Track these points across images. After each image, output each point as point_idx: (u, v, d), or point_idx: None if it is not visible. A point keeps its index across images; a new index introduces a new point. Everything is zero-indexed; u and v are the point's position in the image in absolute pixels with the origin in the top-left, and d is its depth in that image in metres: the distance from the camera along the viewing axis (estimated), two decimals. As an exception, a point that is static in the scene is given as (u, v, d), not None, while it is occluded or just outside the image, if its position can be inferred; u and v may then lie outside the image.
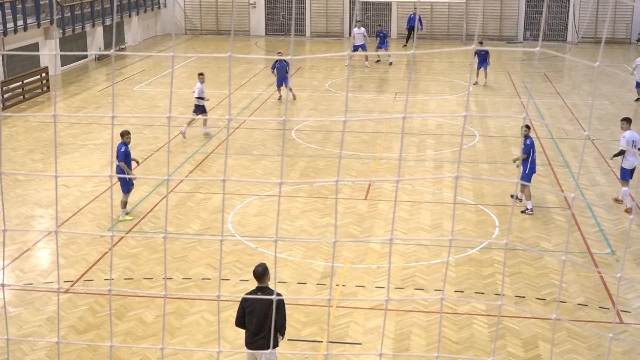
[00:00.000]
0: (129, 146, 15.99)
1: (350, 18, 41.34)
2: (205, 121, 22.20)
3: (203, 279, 13.39)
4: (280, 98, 26.58)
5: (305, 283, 13.32)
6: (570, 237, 15.38)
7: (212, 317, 12.11)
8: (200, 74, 22.18)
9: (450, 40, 40.15)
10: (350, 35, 39.14)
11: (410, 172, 19.28)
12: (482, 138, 22.17)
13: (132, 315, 12.18)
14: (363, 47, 32.38)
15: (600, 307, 12.51)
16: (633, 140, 16.83)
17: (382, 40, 33.45)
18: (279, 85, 26.50)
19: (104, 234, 15.05)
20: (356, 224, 15.91)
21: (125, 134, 15.92)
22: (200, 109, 21.68)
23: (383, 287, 13.05)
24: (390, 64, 33.61)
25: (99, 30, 34.55)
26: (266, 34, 42.46)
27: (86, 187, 17.85)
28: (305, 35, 42.08)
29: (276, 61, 26.14)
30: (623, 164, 16.83)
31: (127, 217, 16.03)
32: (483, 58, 28.82)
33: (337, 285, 13.33)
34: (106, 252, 14.38)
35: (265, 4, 42.23)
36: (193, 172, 18.99)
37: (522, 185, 16.39)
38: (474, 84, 28.92)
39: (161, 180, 17.89)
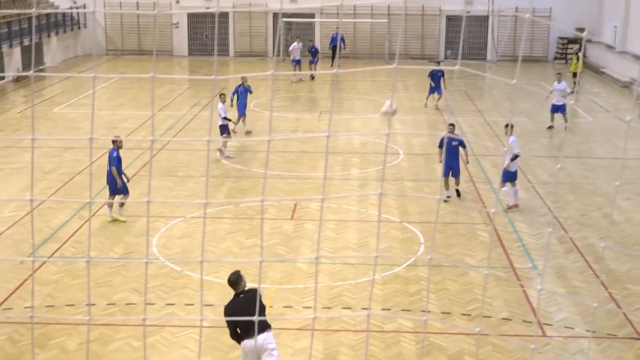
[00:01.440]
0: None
1: (274, 37, 41.41)
2: (225, 143, 21.93)
3: (127, 304, 13.13)
4: (247, 132, 24.63)
5: (232, 305, 13.17)
6: (493, 252, 15.65)
7: (138, 343, 11.86)
8: (222, 94, 22.38)
9: (373, 59, 40.59)
10: (277, 53, 39.17)
11: (335, 191, 19.34)
12: (406, 156, 22.40)
13: (53, 344, 11.85)
14: (299, 62, 32.98)
15: (524, 321, 12.72)
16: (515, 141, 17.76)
17: (313, 56, 33.95)
18: (242, 114, 24.38)
19: (24, 259, 14.64)
20: (283, 244, 15.85)
21: (116, 141, 16.75)
22: (224, 129, 21.65)
23: (311, 307, 13.01)
24: (312, 78, 34.03)
25: (17, 50, 33.78)
26: (189, 53, 42.22)
27: (4, 212, 17.34)
28: (229, 54, 41.99)
29: (238, 86, 24.42)
30: (512, 167, 17.49)
31: (122, 218, 16.69)
32: (439, 81, 28.22)
33: (264, 306, 13.22)
34: (26, 279, 13.97)
35: (189, 23, 42.03)
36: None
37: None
38: (425, 107, 28.93)
39: (83, 204, 17.52)
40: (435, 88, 28.24)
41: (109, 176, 16.64)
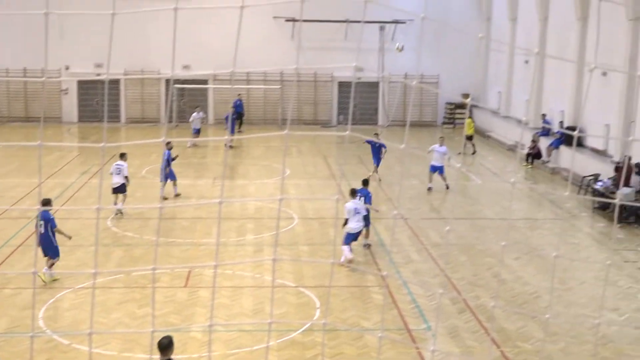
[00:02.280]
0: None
1: (165, 104, 41.22)
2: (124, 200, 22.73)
3: (11, 381, 12.49)
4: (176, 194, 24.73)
5: (123, 378, 12.73)
6: (388, 314, 15.71)
7: (21, 422, 11.25)
8: (123, 154, 22.89)
9: (267, 125, 40.84)
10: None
11: (230, 257, 19.12)
12: (300, 220, 22.43)
13: None
14: (198, 131, 33.06)
15: (419, 383, 12.74)
16: (355, 208, 18.30)
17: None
18: (173, 178, 24.55)
19: None
20: (176, 312, 15.49)
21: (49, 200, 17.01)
22: (122, 189, 22.60)
23: (205, 377, 12.69)
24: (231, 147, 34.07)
25: None
26: (79, 120, 41.49)
27: None
28: (120, 121, 41.46)
29: (168, 150, 24.26)
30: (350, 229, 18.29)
31: (48, 279, 16.74)
32: (377, 151, 27.90)
33: (157, 378, 12.81)
34: None
35: (78, 90, 41.40)
36: (0, 266, 17.91)
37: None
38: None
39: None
40: (375, 157, 27.90)
41: (46, 239, 16.65)
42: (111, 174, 22.60)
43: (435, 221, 23.08)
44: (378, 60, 41.48)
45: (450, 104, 42.93)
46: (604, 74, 28.26)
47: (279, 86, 41.15)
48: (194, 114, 34.24)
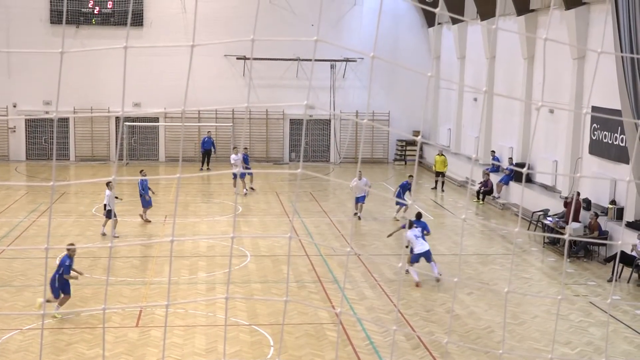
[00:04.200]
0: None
1: (116, 141, 40.87)
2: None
3: None
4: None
5: (72, 421, 12.41)
6: (342, 351, 15.62)
7: None
8: (109, 182, 23.40)
9: (218, 162, 40.66)
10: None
11: (182, 296, 18.88)
12: (253, 258, 22.30)
13: None
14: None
15: (375, 420, 12.66)
16: (415, 235, 20.44)
17: (246, 161, 33.63)
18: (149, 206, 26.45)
19: None
20: (127, 353, 15.20)
21: (70, 249, 17.25)
22: (109, 214, 23.22)
23: (157, 419, 12.44)
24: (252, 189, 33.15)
25: None
26: (27, 158, 40.87)
27: None
28: (69, 159, 40.96)
29: (143, 179, 26.04)
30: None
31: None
32: (403, 192, 27.92)
33: (107, 420, 12.52)
34: None
35: (26, 128, 40.85)
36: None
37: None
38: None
39: None
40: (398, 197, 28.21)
41: (59, 281, 16.95)
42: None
43: (389, 257, 23.13)
44: (329, 98, 41.76)
45: (401, 141, 43.31)
46: (551, 111, 28.82)
47: (230, 124, 41.13)
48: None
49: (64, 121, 40.54)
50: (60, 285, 17.04)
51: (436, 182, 34.17)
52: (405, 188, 28.15)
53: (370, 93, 41.62)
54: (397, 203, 29.20)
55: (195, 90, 38.85)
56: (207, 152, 38.66)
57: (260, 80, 40.57)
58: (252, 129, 41.78)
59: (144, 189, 26.05)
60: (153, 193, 26.90)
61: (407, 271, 20.68)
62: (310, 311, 17.75)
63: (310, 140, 42.63)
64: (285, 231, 26.06)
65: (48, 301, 16.96)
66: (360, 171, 28.79)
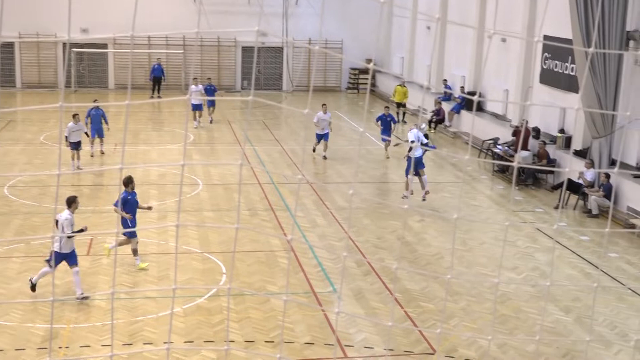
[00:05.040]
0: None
1: (63, 67, 39.99)
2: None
3: None
4: (92, 155, 25.11)
5: (24, 349, 12.42)
6: (294, 278, 15.80)
7: None
8: (75, 114, 23.38)
9: (170, 90, 40.10)
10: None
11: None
12: (205, 186, 22.24)
13: None
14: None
15: (326, 344, 12.90)
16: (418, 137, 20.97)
17: (210, 93, 31.90)
18: (94, 136, 25.10)
19: None
20: (78, 281, 15.16)
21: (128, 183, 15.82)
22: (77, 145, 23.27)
23: (110, 345, 12.51)
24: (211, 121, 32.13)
25: None
26: (-28, 85, 39.86)
27: None
28: (15, 86, 40.03)
29: (91, 109, 25.23)
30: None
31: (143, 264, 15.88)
32: (388, 126, 26.86)
33: (59, 347, 12.56)
34: None
35: (-30, 54, 39.70)
36: None
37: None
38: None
39: None
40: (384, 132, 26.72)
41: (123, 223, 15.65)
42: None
43: (340, 185, 23.26)
44: (282, 25, 41.25)
45: (354, 69, 43.13)
46: (503, 40, 28.87)
47: (181, 51, 40.47)
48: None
49: (8, 46, 39.46)
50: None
51: (397, 113, 33.71)
52: (384, 122, 26.62)
53: (322, 20, 41.16)
54: (383, 140, 27.34)
55: (144, 16, 37.90)
56: (157, 79, 38.04)
57: (211, 6, 39.77)
58: (203, 56, 41.17)
59: (93, 119, 25.06)
60: (107, 128, 25.53)
61: (405, 196, 21.34)
62: (262, 238, 17.85)
63: (262, 68, 42.20)
64: (237, 159, 25.99)
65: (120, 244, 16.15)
66: (325, 104, 26.89)
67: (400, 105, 33.77)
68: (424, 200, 20.97)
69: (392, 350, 12.82)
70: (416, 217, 20.14)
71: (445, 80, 34.55)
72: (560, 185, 22.16)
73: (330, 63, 42.80)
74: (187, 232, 18.05)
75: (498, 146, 25.94)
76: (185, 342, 12.79)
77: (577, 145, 23.25)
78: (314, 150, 26.83)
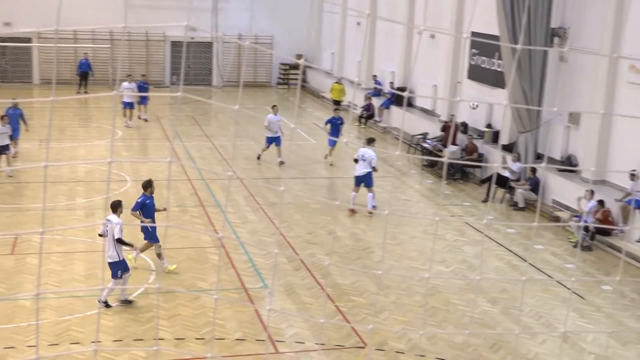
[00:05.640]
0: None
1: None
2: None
3: None
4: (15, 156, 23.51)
5: (-55, 351, 12.05)
6: (225, 274, 15.69)
7: None
8: (3, 116, 22.43)
9: (97, 85, 39.38)
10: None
11: (60, 222, 18.42)
12: (134, 183, 21.90)
13: None
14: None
15: (257, 340, 12.85)
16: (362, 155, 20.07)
17: (144, 90, 30.74)
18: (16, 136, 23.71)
19: None
20: (2, 281, 14.79)
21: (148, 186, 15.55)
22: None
23: (35, 346, 12.22)
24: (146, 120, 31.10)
25: None
26: None
27: None
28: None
29: (9, 108, 23.97)
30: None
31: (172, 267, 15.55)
32: (337, 128, 25.62)
33: (-18, 349, 12.22)
34: None
35: None
36: None
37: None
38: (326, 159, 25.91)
39: None
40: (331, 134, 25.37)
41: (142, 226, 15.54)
42: None
43: (271, 181, 23.20)
44: (212, 20, 40.90)
45: (285, 64, 43.06)
46: (432, 36, 29.19)
47: (108, 45, 39.78)
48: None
49: None
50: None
51: (334, 110, 33.05)
52: (334, 125, 25.30)
53: (253, 15, 40.99)
54: (330, 143, 25.50)
55: (70, 9, 37.11)
56: (84, 74, 37.28)
57: (139, 0, 39.20)
58: (131, 51, 40.55)
59: (10, 118, 23.35)
60: (26, 129, 24.34)
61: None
62: (192, 235, 17.67)
63: (192, 63, 41.79)
64: (166, 155, 25.68)
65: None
66: (275, 105, 25.53)
67: (337, 103, 33.11)
68: (370, 214, 20.09)
69: (323, 344, 12.85)
70: (347, 212, 20.22)
71: (375, 76, 34.76)
72: (488, 179, 22.52)
73: (261, 58, 42.65)
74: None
75: (427, 141, 26.23)
76: (114, 341, 12.58)
77: (504, 139, 23.66)
78: (258, 158, 25.13)
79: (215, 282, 15.19)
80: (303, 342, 12.87)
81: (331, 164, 24.79)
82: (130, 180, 22.11)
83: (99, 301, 13.69)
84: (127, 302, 13.99)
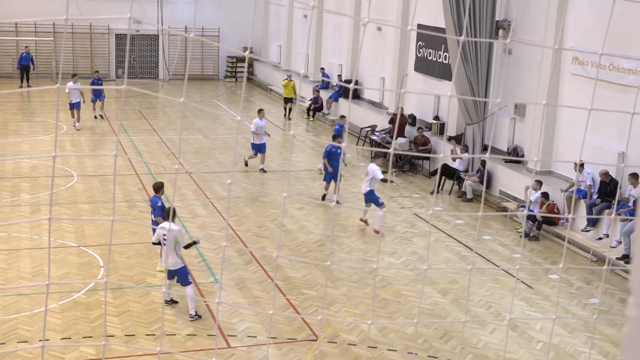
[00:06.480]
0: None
1: None
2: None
3: None
4: None
5: None
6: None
7: None
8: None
9: (39, 79, 38.69)
10: None
11: (4, 219, 18.09)
12: (80, 178, 21.60)
13: None
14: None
15: (208, 335, 12.77)
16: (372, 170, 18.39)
17: (97, 87, 29.63)
18: None
19: None
20: (-55, 280, 14.45)
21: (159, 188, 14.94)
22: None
23: (-19, 346, 11.98)
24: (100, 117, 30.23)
25: None
26: None
27: None
28: None
29: None
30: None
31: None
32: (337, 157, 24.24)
33: None
34: None
35: None
36: None
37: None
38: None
39: None
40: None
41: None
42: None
43: (220, 174, 23.06)
44: (157, 12, 40.45)
45: (232, 57, 42.82)
46: (379, 28, 29.30)
47: (51, 38, 39.07)
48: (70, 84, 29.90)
49: None
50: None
51: (285, 108, 32.48)
52: (333, 155, 20.92)
53: (198, 8, 40.64)
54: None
55: (11, 1, 36.47)
56: (25, 68, 36.53)
57: (83, -8, 38.57)
58: (75, 43, 39.90)
59: None
60: None
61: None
62: (141, 230, 17.49)
63: (137, 56, 41.30)
64: (112, 150, 25.34)
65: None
66: (262, 109, 24.33)
67: (288, 100, 32.29)
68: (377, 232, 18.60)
69: (275, 338, 12.84)
70: (297, 204, 20.21)
71: (322, 68, 34.78)
72: (436, 171, 22.71)
73: (208, 51, 42.34)
74: (62, 225, 17.47)
75: (376, 133, 26.34)
76: (63, 338, 12.39)
77: (451, 131, 23.88)
78: (246, 164, 23.79)
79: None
80: (255, 336, 12.84)
81: (338, 201, 20.36)
82: (77, 175, 21.78)
83: (191, 317, 13.23)
84: (173, 303, 13.77)
